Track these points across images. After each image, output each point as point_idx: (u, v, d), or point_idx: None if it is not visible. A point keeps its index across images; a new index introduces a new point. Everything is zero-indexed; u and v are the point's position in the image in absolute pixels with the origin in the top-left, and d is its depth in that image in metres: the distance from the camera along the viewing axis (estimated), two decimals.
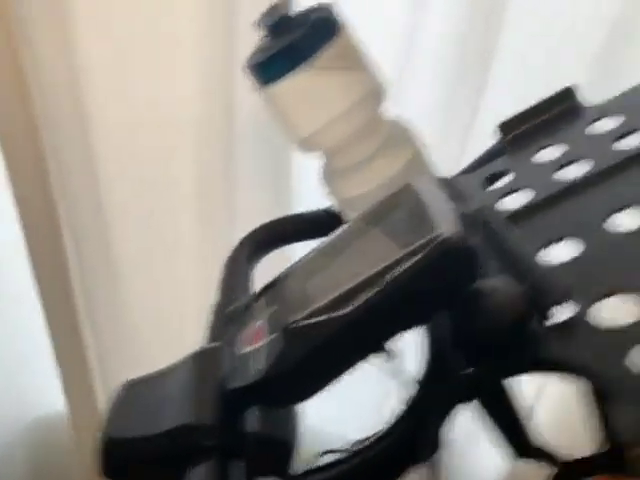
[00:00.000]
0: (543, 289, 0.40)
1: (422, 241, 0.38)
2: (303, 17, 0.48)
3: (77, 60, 0.84)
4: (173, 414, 0.42)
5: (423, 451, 0.44)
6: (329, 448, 0.48)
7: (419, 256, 0.37)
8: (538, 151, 0.56)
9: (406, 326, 0.40)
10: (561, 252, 0.45)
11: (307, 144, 0.51)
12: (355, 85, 0.50)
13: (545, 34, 0.88)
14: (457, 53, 0.86)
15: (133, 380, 0.49)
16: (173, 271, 1.02)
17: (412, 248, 0.38)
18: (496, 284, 0.39)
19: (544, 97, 0.59)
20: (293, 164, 0.94)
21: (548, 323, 0.39)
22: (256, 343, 0.43)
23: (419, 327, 0.42)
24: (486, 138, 0.60)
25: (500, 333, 0.38)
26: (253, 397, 0.42)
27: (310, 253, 0.47)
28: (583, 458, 0.47)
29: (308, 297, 0.42)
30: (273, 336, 0.42)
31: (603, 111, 0.56)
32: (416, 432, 0.44)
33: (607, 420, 0.40)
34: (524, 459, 0.47)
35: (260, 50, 0.48)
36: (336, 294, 0.40)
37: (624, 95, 0.57)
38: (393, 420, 0.45)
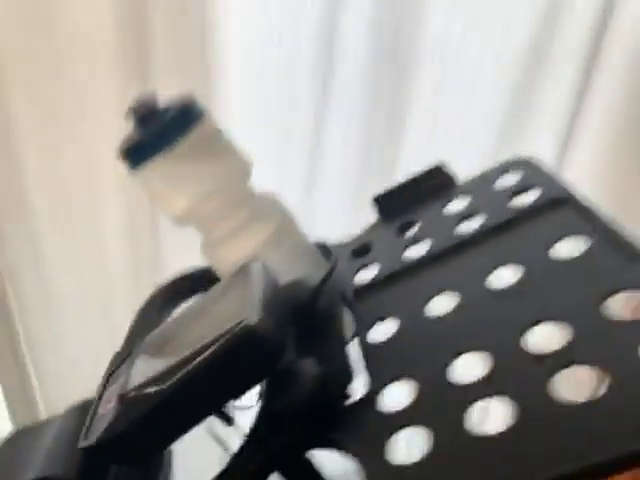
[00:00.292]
0: (345, 370, 0.44)
1: (231, 324, 0.42)
2: (168, 108, 0.54)
3: None
4: (38, 465, 0.47)
5: None
6: None
7: (222, 340, 0.42)
8: (400, 227, 0.60)
9: (220, 400, 0.44)
10: (386, 330, 0.48)
11: (178, 221, 0.56)
12: (216, 167, 0.54)
13: None
14: None
15: (23, 428, 0.54)
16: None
17: (222, 332, 0.42)
18: (297, 367, 0.43)
19: (416, 173, 0.63)
20: None
21: (347, 403, 0.43)
22: (109, 404, 0.48)
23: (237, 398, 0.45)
24: None
25: (294, 409, 0.42)
26: (98, 455, 0.46)
27: (171, 318, 0.52)
28: None
29: (151, 365, 0.46)
30: (114, 402, 0.46)
31: (460, 191, 0.60)
32: None
33: None
34: None
35: (129, 138, 0.54)
36: (165, 367, 0.44)
37: (481, 176, 0.61)
38: None
